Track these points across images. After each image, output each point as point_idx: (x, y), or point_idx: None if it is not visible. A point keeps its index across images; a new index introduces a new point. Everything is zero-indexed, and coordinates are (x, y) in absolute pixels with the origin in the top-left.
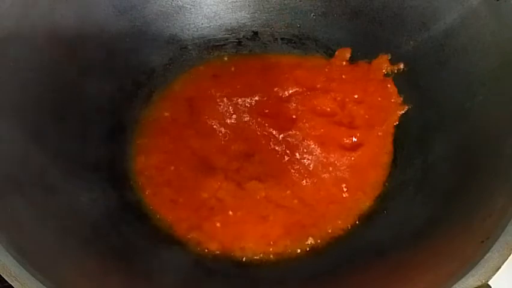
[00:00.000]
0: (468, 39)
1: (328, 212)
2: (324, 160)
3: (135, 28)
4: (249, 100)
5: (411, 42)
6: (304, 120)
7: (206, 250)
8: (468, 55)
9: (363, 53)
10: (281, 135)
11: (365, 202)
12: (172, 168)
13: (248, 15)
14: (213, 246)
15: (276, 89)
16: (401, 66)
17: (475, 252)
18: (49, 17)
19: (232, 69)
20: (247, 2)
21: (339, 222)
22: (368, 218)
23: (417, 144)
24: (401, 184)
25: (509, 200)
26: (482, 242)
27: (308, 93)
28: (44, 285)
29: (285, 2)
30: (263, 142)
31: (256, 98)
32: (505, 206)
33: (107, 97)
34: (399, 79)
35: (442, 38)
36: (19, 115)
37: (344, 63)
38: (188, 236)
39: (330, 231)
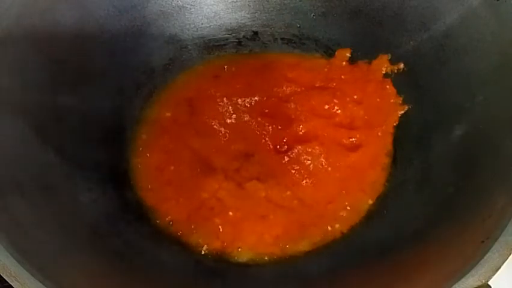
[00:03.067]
0: (468, 39)
1: (328, 212)
2: (324, 160)
3: (135, 28)
4: (248, 100)
5: (411, 42)
6: (303, 121)
7: (206, 250)
8: (468, 55)
9: (363, 53)
10: (281, 136)
11: (365, 202)
12: (172, 168)
13: (248, 15)
14: (213, 246)
15: (275, 89)
16: (401, 66)
17: (474, 252)
18: (49, 16)
19: (233, 69)
20: (247, 2)
21: (339, 222)
22: (368, 218)
23: (417, 144)
24: (401, 184)
25: (509, 200)
26: (482, 242)
27: (307, 93)
28: (44, 285)
29: (285, 2)
30: (263, 142)
31: (256, 98)
32: (505, 206)
33: (107, 97)
34: (399, 79)
35: (442, 38)
36: (19, 115)
37: (344, 63)
38: (188, 236)
39: (330, 231)
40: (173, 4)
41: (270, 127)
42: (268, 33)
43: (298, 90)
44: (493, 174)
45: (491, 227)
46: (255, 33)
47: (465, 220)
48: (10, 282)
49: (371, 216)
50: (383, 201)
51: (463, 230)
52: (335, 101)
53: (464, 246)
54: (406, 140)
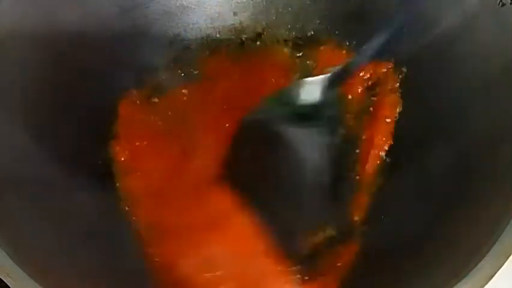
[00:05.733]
0: (469, 45)
1: None
2: None
3: (138, 27)
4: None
5: (413, 48)
6: None
7: None
8: (469, 61)
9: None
10: None
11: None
12: None
13: (252, 17)
14: None
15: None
16: (404, 70)
17: (468, 261)
18: (51, 15)
19: (233, 70)
20: (252, 4)
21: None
22: (364, 224)
23: (416, 150)
24: (399, 191)
25: (503, 209)
26: (476, 250)
27: None
28: (40, 285)
29: (289, 3)
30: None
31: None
32: (499, 216)
33: (108, 96)
34: (400, 84)
35: (444, 43)
36: (18, 115)
37: None
38: None
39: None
40: (178, 4)
41: None
42: (271, 35)
43: None
44: (490, 184)
45: (484, 236)
46: (258, 34)
47: (460, 229)
48: (5, 281)
49: (368, 221)
50: (380, 207)
51: (458, 238)
52: None
53: (457, 255)
54: (406, 146)
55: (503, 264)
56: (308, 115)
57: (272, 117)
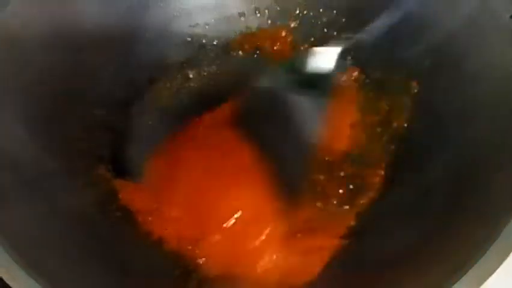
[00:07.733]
0: (479, 63)
1: None
2: None
3: (155, 24)
4: None
5: (427, 62)
6: None
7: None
8: (479, 80)
9: (379, 67)
10: None
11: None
12: None
13: (269, 21)
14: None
15: None
16: (415, 84)
17: (464, 261)
18: (70, 7)
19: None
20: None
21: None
22: (353, 234)
23: (415, 169)
24: (392, 206)
25: (486, 238)
26: (454, 272)
27: None
28: (38, 283)
29: (304, 11)
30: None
31: None
32: (483, 243)
33: (117, 95)
34: (411, 99)
35: (457, 61)
36: (21, 115)
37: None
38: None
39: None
40: (196, 3)
41: None
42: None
43: None
44: (480, 211)
45: (465, 260)
46: None
47: (443, 251)
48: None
49: (356, 232)
50: (371, 220)
51: (439, 261)
52: None
53: (437, 277)
54: (405, 162)
55: (499, 266)
56: (314, 84)
57: (279, 85)
